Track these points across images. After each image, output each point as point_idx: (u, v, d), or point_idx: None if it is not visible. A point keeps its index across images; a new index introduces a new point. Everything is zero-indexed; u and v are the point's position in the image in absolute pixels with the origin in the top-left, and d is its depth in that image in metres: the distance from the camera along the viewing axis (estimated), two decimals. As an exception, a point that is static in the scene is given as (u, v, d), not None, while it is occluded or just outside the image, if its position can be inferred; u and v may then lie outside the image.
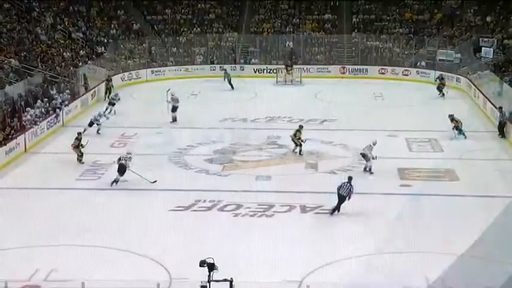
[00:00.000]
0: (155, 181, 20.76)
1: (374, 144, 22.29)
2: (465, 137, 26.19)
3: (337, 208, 18.39)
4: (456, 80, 37.43)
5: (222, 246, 15.98)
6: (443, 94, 34.25)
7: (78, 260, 15.55)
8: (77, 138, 23.40)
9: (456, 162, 23.47)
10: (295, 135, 24.40)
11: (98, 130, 26.90)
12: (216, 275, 10.61)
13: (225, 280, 10.61)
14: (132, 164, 21.06)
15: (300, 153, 24.15)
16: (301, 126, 24.91)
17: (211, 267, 10.64)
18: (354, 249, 16.10)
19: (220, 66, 40.18)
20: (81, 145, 23.20)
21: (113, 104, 30.58)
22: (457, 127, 26.41)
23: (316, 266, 15.25)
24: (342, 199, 18.31)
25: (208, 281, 10.56)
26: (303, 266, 15.18)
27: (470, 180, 21.66)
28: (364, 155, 22.30)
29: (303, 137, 24.27)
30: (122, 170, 20.72)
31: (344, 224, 17.93)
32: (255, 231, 17.57)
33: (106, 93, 34.10)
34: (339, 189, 18.41)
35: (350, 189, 18.28)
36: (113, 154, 23.77)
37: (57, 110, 28.48)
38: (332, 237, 17.06)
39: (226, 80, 36.90)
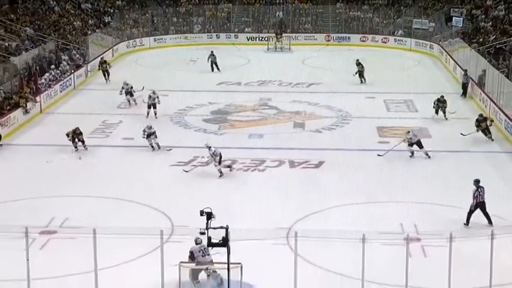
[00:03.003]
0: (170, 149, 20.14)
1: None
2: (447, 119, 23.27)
3: (488, 217, 14.68)
4: (430, 47, 37.26)
5: (219, 197, 15.98)
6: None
7: (89, 210, 15.59)
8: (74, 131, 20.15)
9: (429, 121, 23.41)
10: (479, 121, 20.94)
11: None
12: (213, 223, 10.64)
13: (221, 227, 10.62)
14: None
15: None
16: (481, 115, 21.23)
17: (209, 216, 10.64)
18: (337, 200, 16.13)
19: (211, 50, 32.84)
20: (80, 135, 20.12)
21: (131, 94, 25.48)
22: (440, 109, 23.26)
23: (303, 214, 15.30)
24: (484, 204, 14.73)
25: (207, 228, 10.57)
26: (292, 214, 15.22)
27: (440, 136, 21.69)
28: None
29: (488, 123, 20.86)
30: None
31: (328, 177, 17.93)
32: (248, 184, 17.61)
33: (105, 76, 29.63)
34: (476, 197, 14.65)
35: (484, 191, 14.76)
36: (119, 114, 23.84)
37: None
38: (318, 189, 17.05)
39: (209, 61, 31.92)
